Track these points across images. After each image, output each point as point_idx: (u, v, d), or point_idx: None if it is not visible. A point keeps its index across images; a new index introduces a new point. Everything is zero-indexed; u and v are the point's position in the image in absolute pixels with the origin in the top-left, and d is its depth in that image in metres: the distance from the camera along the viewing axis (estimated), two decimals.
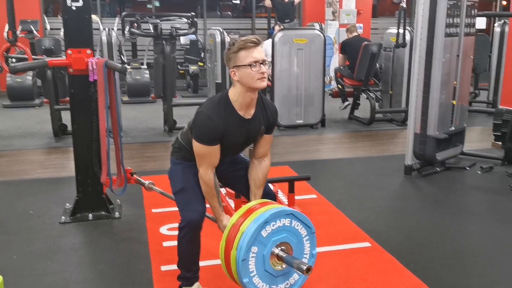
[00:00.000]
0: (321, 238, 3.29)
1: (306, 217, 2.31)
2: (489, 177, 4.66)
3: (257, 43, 2.25)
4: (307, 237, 2.32)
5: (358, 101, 7.28)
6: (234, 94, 2.33)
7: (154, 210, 3.78)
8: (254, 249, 2.17)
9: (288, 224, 2.25)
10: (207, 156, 2.34)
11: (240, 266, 2.15)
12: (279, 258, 2.23)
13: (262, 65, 2.26)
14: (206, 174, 2.36)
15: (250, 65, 2.23)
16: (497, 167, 4.85)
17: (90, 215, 3.64)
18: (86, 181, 3.63)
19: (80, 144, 3.59)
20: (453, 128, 4.86)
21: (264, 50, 2.39)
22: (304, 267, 2.13)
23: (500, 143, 5.27)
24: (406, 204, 4.06)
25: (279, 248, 2.23)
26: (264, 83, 2.30)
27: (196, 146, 2.35)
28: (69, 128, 4.87)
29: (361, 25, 10.15)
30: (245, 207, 2.32)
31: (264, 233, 2.18)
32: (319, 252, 3.06)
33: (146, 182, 3.49)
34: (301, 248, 2.31)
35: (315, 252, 2.38)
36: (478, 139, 6.23)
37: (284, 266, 2.26)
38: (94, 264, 3.01)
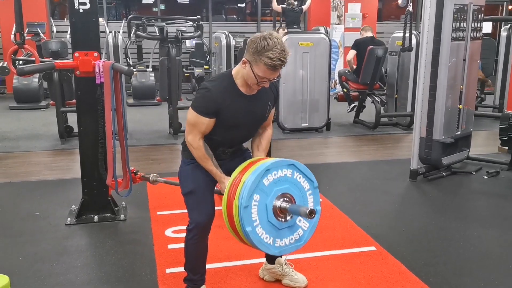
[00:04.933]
0: (326, 242, 3.29)
1: (308, 170, 2.28)
2: (495, 182, 4.64)
3: (281, 67, 2.22)
4: (310, 191, 2.30)
5: (363, 104, 7.24)
6: (238, 72, 2.33)
7: (159, 213, 3.78)
8: (256, 197, 2.15)
9: (290, 175, 2.23)
10: (199, 126, 2.31)
11: (243, 213, 2.12)
12: (283, 210, 2.21)
13: (269, 81, 2.27)
14: (194, 141, 2.33)
15: (259, 76, 2.23)
16: (503, 172, 4.83)
17: (96, 217, 3.65)
18: (91, 183, 3.65)
19: (86, 146, 3.60)
20: (459, 132, 4.85)
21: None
22: (307, 210, 2.11)
23: (506, 147, 5.25)
24: (412, 208, 4.05)
25: (282, 199, 2.21)
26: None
27: (190, 113, 2.33)
28: (75, 130, 4.89)
29: None
30: (245, 163, 2.30)
31: (265, 182, 2.16)
32: (324, 256, 3.07)
33: (150, 175, 3.51)
34: (305, 203, 2.29)
35: (319, 209, 2.35)
36: (484, 143, 6.21)
37: (288, 218, 2.24)
38: (99, 266, 3.02)
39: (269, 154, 2.66)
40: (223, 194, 2.39)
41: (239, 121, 2.37)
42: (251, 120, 2.42)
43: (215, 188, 2.50)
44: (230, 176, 2.34)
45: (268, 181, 2.18)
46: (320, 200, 4.05)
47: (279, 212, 2.22)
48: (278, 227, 2.22)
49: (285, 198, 2.23)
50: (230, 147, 2.46)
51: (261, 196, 2.16)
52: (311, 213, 2.11)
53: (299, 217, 2.29)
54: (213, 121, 2.31)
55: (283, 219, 2.23)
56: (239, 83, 2.33)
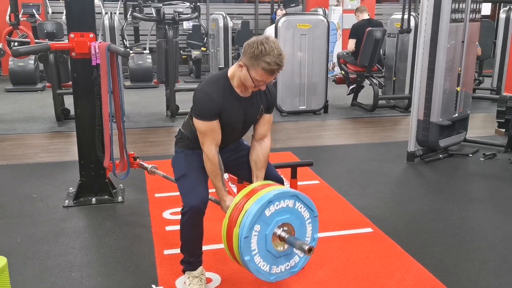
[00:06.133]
0: (323, 224, 3.30)
1: (309, 200, 2.31)
2: (492, 164, 4.65)
3: (278, 71, 2.23)
4: (310, 220, 2.33)
5: (362, 84, 7.14)
6: (234, 73, 2.34)
7: (157, 195, 3.79)
8: (257, 227, 2.17)
9: (292, 206, 2.26)
10: (209, 132, 2.34)
11: (242, 243, 2.15)
12: (281, 238, 2.24)
13: (266, 84, 2.29)
14: (211, 150, 2.36)
15: (256, 80, 2.25)
16: (500, 154, 4.85)
17: (93, 199, 3.65)
18: (89, 165, 3.65)
19: (83, 128, 3.59)
20: (456, 114, 4.85)
21: None
22: (306, 247, 2.15)
23: (503, 130, 5.26)
24: (408, 190, 4.06)
25: (282, 229, 2.24)
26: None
27: (198, 123, 2.35)
28: (72, 112, 4.87)
29: None
30: (248, 188, 2.33)
31: (267, 213, 2.19)
32: (321, 237, 3.08)
33: (149, 166, 3.49)
34: (303, 231, 2.32)
35: (317, 236, 2.39)
36: (482, 126, 6.21)
37: (286, 247, 2.27)
38: (97, 247, 3.04)
39: None
40: (219, 205, 2.48)
41: (234, 123, 2.41)
42: (244, 122, 2.45)
43: (211, 196, 2.51)
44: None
45: (270, 211, 2.19)
46: (318, 182, 4.10)
47: (279, 240, 2.25)
48: (276, 256, 2.26)
49: (284, 228, 2.25)
50: (225, 144, 2.48)
51: (261, 226, 2.19)
52: (309, 251, 2.15)
53: None
54: (218, 122, 2.34)
55: (281, 248, 2.27)
56: (235, 84, 2.35)
